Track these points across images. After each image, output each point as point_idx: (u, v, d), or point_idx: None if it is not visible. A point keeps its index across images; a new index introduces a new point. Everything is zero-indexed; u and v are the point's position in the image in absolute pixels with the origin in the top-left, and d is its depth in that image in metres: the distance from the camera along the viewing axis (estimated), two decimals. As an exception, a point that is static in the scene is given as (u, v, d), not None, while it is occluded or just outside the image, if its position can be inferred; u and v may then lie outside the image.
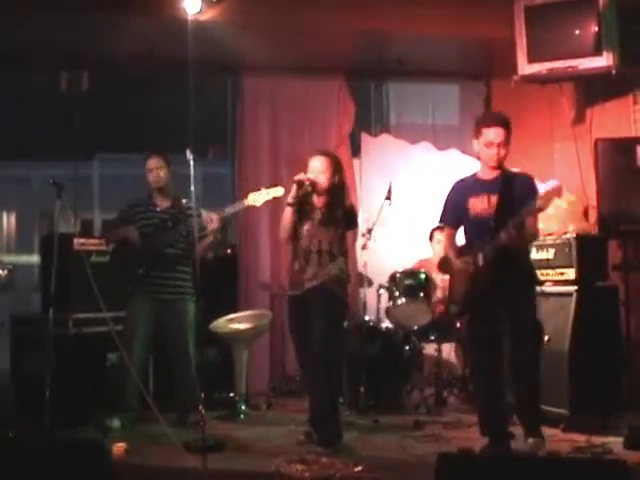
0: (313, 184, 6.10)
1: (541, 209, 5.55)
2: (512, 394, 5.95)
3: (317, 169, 6.15)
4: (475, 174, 6.08)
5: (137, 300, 6.83)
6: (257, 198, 6.44)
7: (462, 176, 6.21)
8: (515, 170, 6.08)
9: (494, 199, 5.83)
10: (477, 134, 5.94)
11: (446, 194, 6.20)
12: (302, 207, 6.19)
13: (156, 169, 6.92)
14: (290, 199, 6.12)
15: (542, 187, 5.56)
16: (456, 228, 6.15)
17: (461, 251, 6.07)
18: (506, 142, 5.87)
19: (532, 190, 5.71)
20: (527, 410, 5.91)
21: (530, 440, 5.77)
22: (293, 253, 6.24)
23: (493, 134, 5.85)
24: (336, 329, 6.04)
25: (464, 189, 6.05)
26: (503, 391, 5.93)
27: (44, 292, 7.12)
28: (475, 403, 6.44)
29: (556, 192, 5.48)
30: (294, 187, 6.09)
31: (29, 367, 6.87)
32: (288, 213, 6.16)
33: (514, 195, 5.78)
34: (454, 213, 6.10)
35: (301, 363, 6.33)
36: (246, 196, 6.55)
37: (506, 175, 5.92)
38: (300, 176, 6.13)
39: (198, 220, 6.41)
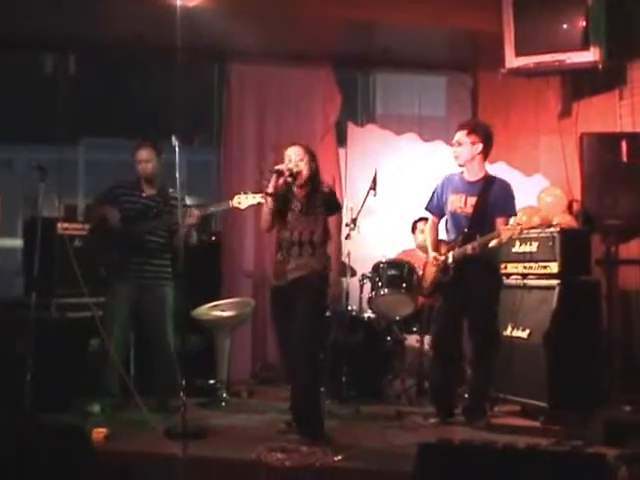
0: (294, 173, 6.10)
1: (500, 241, 6.21)
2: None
3: (296, 157, 6.14)
4: (462, 173, 6.57)
5: (116, 285, 6.81)
6: (242, 201, 6.46)
7: (447, 168, 6.62)
8: (496, 176, 6.60)
9: (471, 200, 6.41)
10: None
11: (436, 185, 6.72)
12: (284, 199, 6.19)
13: (145, 161, 6.89)
14: (270, 189, 6.11)
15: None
16: (439, 217, 6.74)
17: (440, 243, 6.74)
18: (463, 143, 6.47)
19: (507, 198, 6.44)
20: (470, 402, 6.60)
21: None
22: (277, 244, 6.25)
23: (457, 136, 6.51)
24: (317, 320, 6.05)
25: (448, 185, 6.61)
26: (455, 363, 6.72)
27: (27, 276, 7.10)
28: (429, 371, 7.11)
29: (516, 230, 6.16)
30: (273, 177, 6.09)
31: (10, 351, 6.85)
32: (268, 204, 6.15)
33: (490, 201, 6.38)
34: (437, 205, 6.68)
35: (283, 353, 6.34)
36: (232, 196, 6.55)
37: (487, 180, 6.47)
38: (279, 166, 6.14)
39: (182, 210, 6.40)
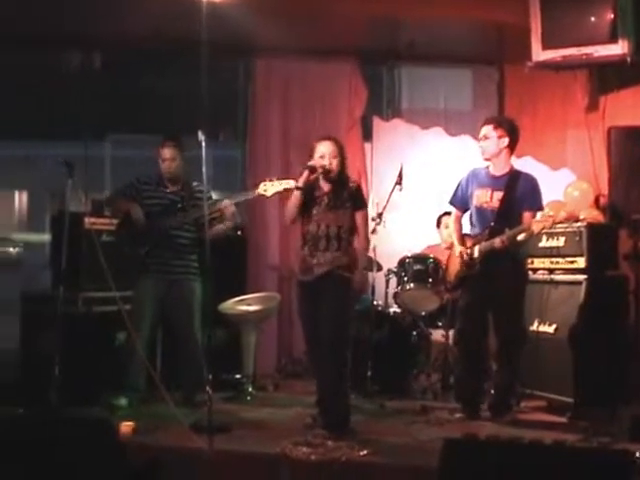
0: (326, 170, 6.10)
1: (531, 233, 6.31)
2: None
3: (329, 154, 6.12)
4: (488, 167, 6.58)
5: (144, 280, 6.85)
6: (268, 188, 6.44)
7: (473, 163, 6.61)
8: (522, 170, 6.60)
9: (497, 195, 6.41)
10: None
11: (460, 179, 6.72)
12: (310, 193, 6.19)
13: (169, 160, 6.92)
14: (301, 183, 6.11)
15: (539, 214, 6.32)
16: (463, 212, 6.75)
17: (465, 237, 6.72)
18: (490, 137, 6.47)
19: (534, 192, 6.44)
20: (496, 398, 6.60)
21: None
22: (302, 238, 6.24)
23: (482, 131, 6.52)
24: (345, 314, 6.03)
25: (474, 179, 6.61)
26: (481, 360, 6.65)
27: (54, 271, 7.14)
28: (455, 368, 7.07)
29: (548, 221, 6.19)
30: (306, 172, 6.09)
31: (38, 345, 6.89)
32: (296, 197, 6.15)
33: (516, 195, 6.38)
34: (462, 199, 6.68)
35: (309, 347, 6.34)
36: (257, 185, 6.55)
37: (513, 174, 6.47)
38: (313, 162, 6.13)
39: (210, 204, 6.42)
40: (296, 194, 6.14)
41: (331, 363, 5.96)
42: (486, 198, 6.46)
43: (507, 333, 6.44)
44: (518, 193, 6.38)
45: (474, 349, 6.56)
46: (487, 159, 6.52)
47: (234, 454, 5.39)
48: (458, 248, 6.65)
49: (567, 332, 6.66)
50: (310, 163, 6.12)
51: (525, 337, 6.57)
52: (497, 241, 6.26)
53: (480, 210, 6.51)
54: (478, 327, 6.54)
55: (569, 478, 3.98)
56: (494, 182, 6.47)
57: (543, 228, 6.21)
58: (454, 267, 6.78)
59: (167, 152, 6.93)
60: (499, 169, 6.49)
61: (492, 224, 6.37)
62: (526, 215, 6.30)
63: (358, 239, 6.19)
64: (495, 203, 6.41)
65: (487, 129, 6.48)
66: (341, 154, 6.17)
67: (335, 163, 6.12)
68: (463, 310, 6.65)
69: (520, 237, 6.26)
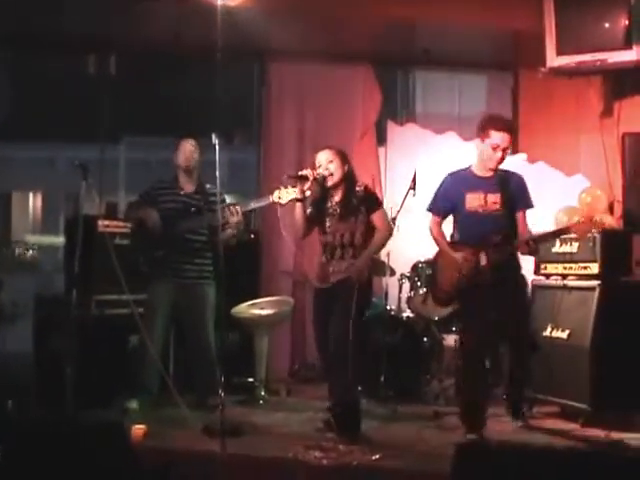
0: (319, 177, 6.12)
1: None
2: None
3: (324, 159, 6.16)
4: (470, 168, 6.31)
5: (157, 283, 6.87)
6: (283, 195, 6.37)
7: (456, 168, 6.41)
8: (507, 169, 6.29)
9: (491, 198, 6.09)
10: (483, 134, 6.16)
11: (439, 185, 6.41)
12: (322, 204, 6.24)
13: (189, 151, 6.94)
14: (299, 195, 6.14)
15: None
16: (444, 218, 6.39)
17: (455, 244, 6.31)
18: (509, 147, 6.19)
19: (525, 190, 6.22)
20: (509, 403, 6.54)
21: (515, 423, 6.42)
22: (321, 247, 6.29)
23: (501, 139, 6.08)
24: (359, 320, 6.02)
25: (460, 183, 6.28)
26: (485, 377, 6.44)
27: (68, 273, 7.16)
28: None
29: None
30: (299, 183, 6.12)
31: (51, 348, 6.91)
32: (298, 209, 6.21)
33: (511, 195, 6.10)
34: (444, 205, 6.33)
35: (322, 354, 6.35)
36: (272, 191, 6.53)
37: (500, 174, 6.18)
38: (303, 171, 6.18)
39: (221, 208, 6.41)
40: (298, 206, 6.19)
41: (343, 367, 5.95)
42: (480, 202, 6.12)
43: (519, 338, 6.36)
44: (512, 193, 6.12)
45: (481, 363, 6.28)
46: (492, 168, 6.17)
47: (246, 458, 5.40)
48: (459, 254, 6.16)
49: (581, 338, 6.64)
50: (300, 172, 6.18)
51: (535, 341, 6.55)
52: (522, 247, 6.02)
53: (474, 215, 6.15)
54: (485, 338, 6.16)
55: (581, 484, 3.97)
56: (484, 184, 6.15)
57: (587, 232, 6.15)
58: (450, 276, 6.27)
59: (188, 143, 6.97)
60: (485, 170, 6.21)
61: (503, 229, 6.06)
62: (521, 216, 6.15)
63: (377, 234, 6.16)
64: (491, 206, 6.09)
65: (508, 138, 6.13)
66: (341, 160, 6.18)
67: (332, 168, 6.14)
68: (470, 320, 6.25)
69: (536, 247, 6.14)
